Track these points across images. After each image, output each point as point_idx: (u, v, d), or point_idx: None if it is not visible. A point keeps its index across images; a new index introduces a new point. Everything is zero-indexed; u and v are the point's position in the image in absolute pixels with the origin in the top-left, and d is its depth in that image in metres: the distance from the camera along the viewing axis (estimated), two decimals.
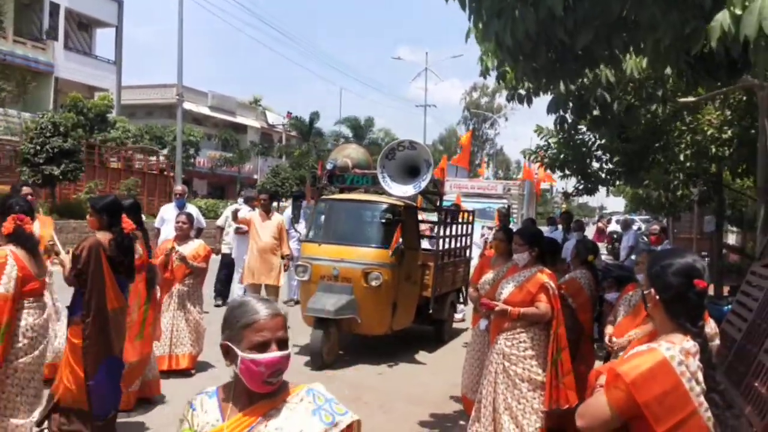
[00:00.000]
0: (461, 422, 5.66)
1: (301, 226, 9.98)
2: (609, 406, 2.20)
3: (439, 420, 5.85)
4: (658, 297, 2.31)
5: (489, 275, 5.48)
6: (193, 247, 6.78)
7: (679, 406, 2.17)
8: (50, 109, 24.69)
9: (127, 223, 4.74)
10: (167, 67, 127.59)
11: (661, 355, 2.20)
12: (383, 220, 7.88)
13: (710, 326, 2.34)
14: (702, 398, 2.21)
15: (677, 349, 2.22)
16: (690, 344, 2.25)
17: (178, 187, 9.73)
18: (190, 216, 7.14)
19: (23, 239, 4.19)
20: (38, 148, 21.65)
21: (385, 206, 8.05)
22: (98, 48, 32.52)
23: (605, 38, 4.07)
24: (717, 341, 2.30)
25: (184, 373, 6.60)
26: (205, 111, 40.48)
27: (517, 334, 4.52)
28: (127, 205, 5.73)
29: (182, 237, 6.85)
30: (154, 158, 28.00)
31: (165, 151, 30.84)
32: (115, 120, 25.23)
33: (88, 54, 31.39)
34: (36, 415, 4.18)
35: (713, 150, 8.94)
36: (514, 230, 5.62)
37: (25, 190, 6.35)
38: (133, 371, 5.45)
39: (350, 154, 8.92)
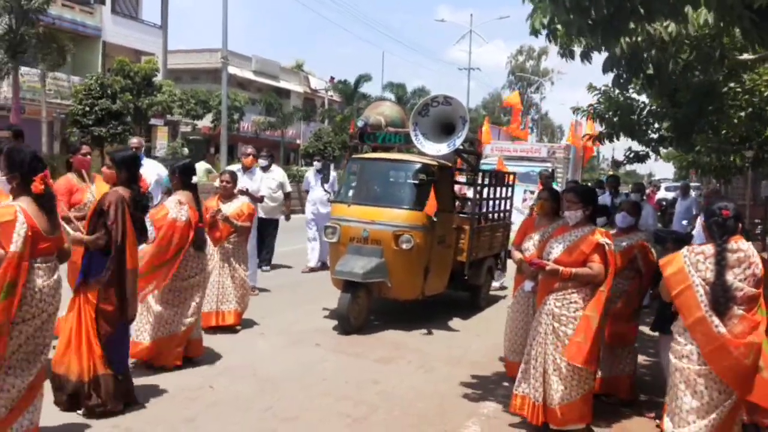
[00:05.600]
0: (505, 383, 5.63)
1: (327, 186, 9.90)
2: (663, 284, 3.88)
3: (482, 381, 5.82)
4: (704, 222, 3.86)
5: (535, 236, 5.38)
6: (237, 206, 6.84)
7: (681, 281, 3.73)
8: (98, 72, 25.04)
9: (143, 182, 4.57)
10: (212, 31, 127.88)
11: (680, 252, 3.81)
12: (416, 181, 7.45)
13: (742, 246, 3.68)
14: (699, 281, 3.67)
15: (687, 249, 3.80)
16: (699, 248, 3.76)
17: (134, 140, 8.42)
18: (233, 174, 7.18)
19: (44, 197, 3.73)
20: (87, 109, 22.09)
21: (417, 166, 7.60)
22: (144, 12, 32.72)
23: None
24: (748, 257, 3.68)
25: (230, 330, 6.72)
26: (249, 75, 40.61)
27: (567, 294, 4.40)
28: (181, 165, 5.68)
29: (226, 195, 6.92)
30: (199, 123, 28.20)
31: (210, 116, 31.08)
32: (161, 84, 25.44)
33: (134, 18, 31.59)
34: (32, 375, 3.68)
35: None
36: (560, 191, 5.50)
37: (85, 149, 6.33)
38: (187, 331, 5.51)
39: (384, 111, 8.47)
